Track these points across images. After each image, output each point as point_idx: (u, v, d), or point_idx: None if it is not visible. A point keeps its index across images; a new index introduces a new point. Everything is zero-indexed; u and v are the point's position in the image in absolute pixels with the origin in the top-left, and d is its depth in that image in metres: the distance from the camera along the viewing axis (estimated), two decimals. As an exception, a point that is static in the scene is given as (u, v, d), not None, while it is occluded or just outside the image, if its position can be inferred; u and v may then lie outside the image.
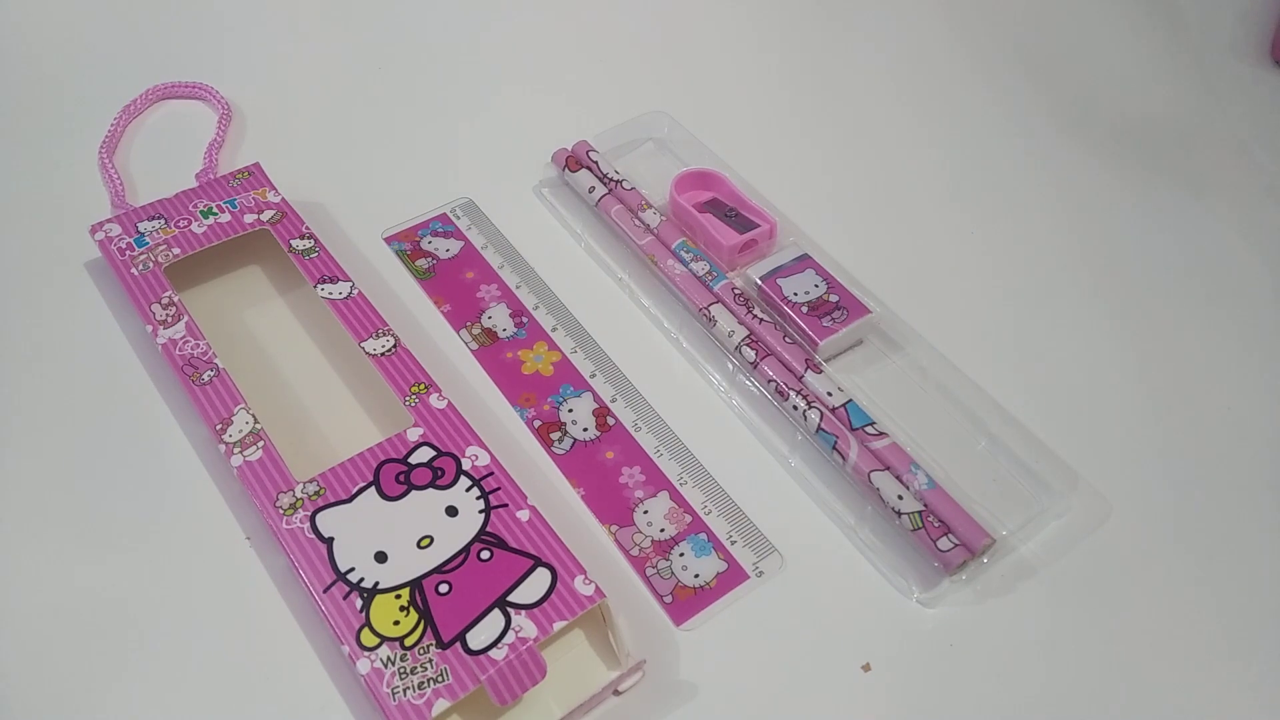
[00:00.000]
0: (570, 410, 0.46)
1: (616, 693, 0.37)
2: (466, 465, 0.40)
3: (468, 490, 0.39)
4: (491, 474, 0.40)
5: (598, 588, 0.36)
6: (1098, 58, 0.66)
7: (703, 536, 0.41)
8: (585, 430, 0.45)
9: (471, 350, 0.48)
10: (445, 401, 0.42)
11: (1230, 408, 0.46)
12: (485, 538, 0.38)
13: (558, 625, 0.35)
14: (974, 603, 0.40)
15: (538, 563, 0.37)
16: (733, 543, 0.41)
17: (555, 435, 0.45)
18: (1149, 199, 0.56)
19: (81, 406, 0.45)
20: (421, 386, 0.43)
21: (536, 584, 0.37)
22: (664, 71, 0.64)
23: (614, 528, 0.42)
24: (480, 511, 0.39)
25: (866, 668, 0.38)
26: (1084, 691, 0.38)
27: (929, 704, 0.37)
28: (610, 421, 0.45)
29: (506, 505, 0.39)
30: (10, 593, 0.39)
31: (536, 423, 0.45)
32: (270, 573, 0.40)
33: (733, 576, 0.40)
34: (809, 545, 0.41)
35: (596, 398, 0.46)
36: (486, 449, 0.41)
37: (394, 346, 0.44)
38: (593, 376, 0.47)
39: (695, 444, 0.44)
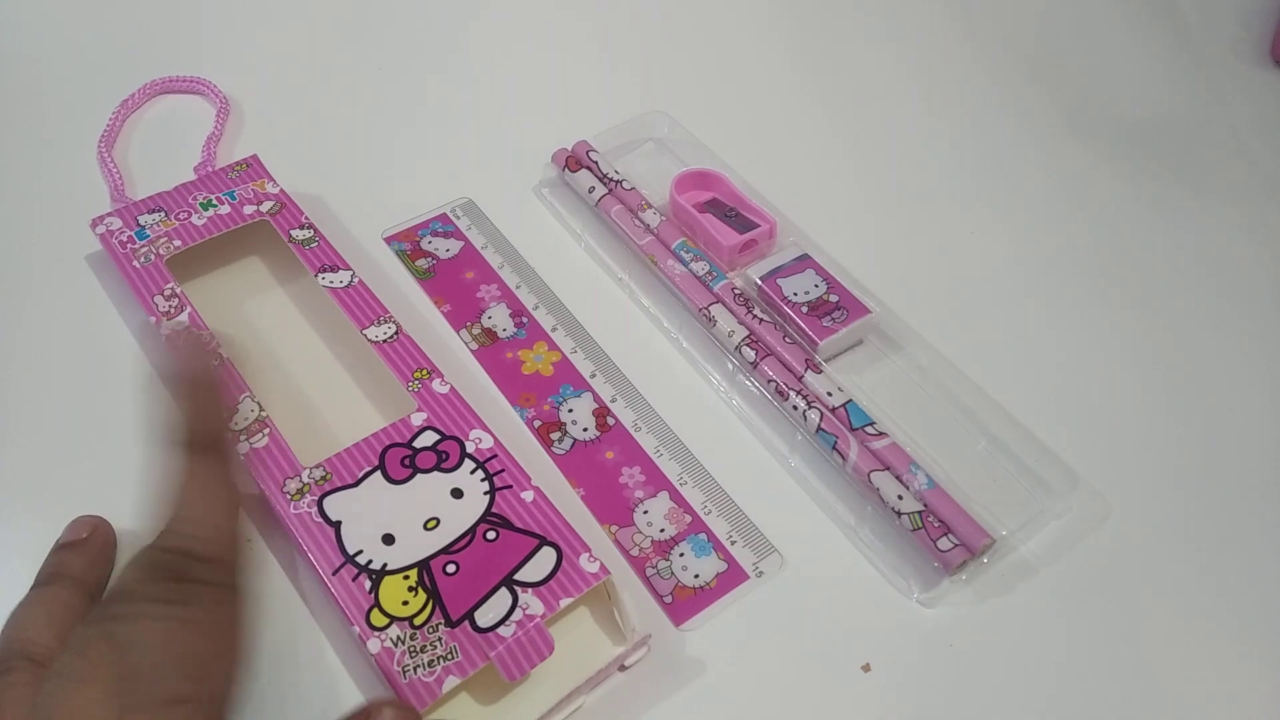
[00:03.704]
0: (570, 410, 0.45)
1: (622, 668, 0.37)
2: (470, 448, 0.40)
3: (472, 472, 0.39)
4: (495, 456, 0.40)
5: (602, 565, 0.37)
6: (1098, 57, 0.66)
7: (703, 536, 0.41)
8: (585, 430, 0.45)
9: (471, 350, 0.48)
10: (448, 386, 0.42)
11: (1231, 407, 0.46)
12: (490, 518, 0.38)
13: (564, 602, 0.36)
14: (974, 603, 0.40)
15: (543, 542, 0.37)
16: (733, 543, 0.41)
17: (555, 435, 0.45)
18: (1148, 198, 0.56)
19: (85, 400, 0.45)
20: (424, 372, 0.43)
21: (542, 562, 0.37)
22: (664, 71, 0.63)
23: (614, 528, 0.42)
24: (485, 493, 0.39)
25: (866, 668, 0.38)
26: (1084, 691, 0.38)
27: (929, 704, 0.37)
28: (610, 421, 0.45)
29: (511, 486, 0.39)
30: (10, 588, 0.39)
31: (536, 423, 0.45)
32: (279, 557, 0.40)
33: (733, 576, 0.40)
34: (809, 545, 0.41)
35: (596, 398, 0.46)
36: (490, 432, 0.41)
37: (396, 333, 0.44)
38: (593, 376, 0.47)
39: (695, 444, 0.44)
